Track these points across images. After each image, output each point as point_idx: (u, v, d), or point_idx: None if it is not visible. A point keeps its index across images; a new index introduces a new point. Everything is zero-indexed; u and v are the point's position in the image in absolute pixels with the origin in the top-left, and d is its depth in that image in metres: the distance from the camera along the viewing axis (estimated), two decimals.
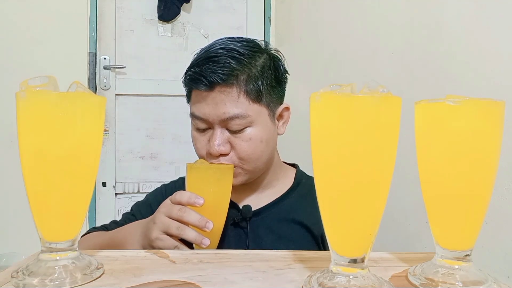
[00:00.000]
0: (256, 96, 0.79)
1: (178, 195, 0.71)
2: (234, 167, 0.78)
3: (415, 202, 1.11)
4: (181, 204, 0.70)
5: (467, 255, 0.48)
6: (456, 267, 0.48)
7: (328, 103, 0.45)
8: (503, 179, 0.87)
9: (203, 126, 0.80)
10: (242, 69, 0.78)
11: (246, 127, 0.78)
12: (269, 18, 2.30)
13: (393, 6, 1.30)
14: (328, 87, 0.46)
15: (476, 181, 0.47)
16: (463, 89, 0.98)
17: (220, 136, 0.78)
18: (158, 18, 2.18)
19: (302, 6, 1.97)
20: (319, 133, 0.46)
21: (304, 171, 0.96)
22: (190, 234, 0.68)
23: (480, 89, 0.94)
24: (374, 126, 0.44)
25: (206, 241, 0.68)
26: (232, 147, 0.78)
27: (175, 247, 0.69)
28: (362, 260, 0.46)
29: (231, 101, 0.77)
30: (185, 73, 0.82)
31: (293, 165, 0.97)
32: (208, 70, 0.76)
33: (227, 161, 0.78)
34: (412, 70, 1.18)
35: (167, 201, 0.72)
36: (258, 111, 0.79)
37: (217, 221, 0.70)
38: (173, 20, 2.21)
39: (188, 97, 0.84)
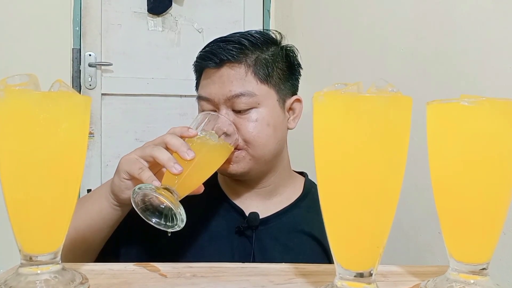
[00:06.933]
0: (265, 78, 0.81)
1: (172, 128, 0.72)
2: (239, 149, 0.79)
3: (427, 211, 1.11)
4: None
5: (483, 269, 0.48)
6: (472, 281, 0.48)
7: (332, 103, 0.45)
8: None
9: (208, 108, 0.82)
10: (254, 50, 0.82)
11: (252, 108, 0.80)
12: (269, 11, 2.31)
13: None
14: (332, 86, 0.46)
15: (493, 188, 0.47)
16: (478, 88, 0.98)
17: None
18: (148, 11, 2.18)
19: None
20: (322, 136, 0.46)
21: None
22: (163, 154, 0.66)
23: (496, 88, 0.94)
24: (382, 129, 0.44)
25: (178, 167, 0.64)
26: (236, 128, 0.79)
27: (139, 169, 0.67)
28: (370, 274, 0.46)
29: (238, 79, 0.80)
30: (196, 57, 0.86)
31: (302, 174, 0.98)
32: (219, 49, 0.82)
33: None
34: (424, 67, 1.19)
35: None
36: (266, 93, 0.82)
37: (194, 176, 0.69)
38: (164, 14, 2.21)
39: (198, 83, 0.87)
